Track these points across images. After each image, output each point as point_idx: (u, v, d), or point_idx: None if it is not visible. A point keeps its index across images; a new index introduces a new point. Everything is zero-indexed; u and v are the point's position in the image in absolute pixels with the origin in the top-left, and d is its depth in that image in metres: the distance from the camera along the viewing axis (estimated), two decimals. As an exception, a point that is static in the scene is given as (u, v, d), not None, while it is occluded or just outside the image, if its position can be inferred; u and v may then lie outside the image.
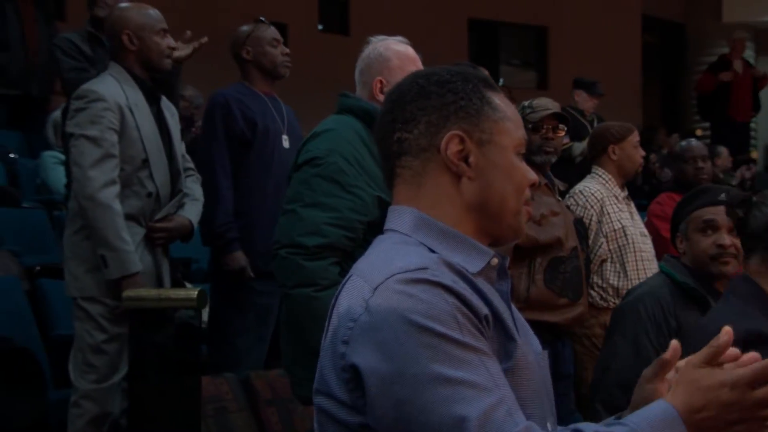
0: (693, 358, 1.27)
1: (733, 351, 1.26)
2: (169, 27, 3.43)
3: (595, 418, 2.63)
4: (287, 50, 4.00)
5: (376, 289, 1.28)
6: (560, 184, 3.59)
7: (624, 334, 2.76)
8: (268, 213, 3.67)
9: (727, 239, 2.72)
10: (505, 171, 1.39)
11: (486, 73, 2.99)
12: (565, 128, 3.57)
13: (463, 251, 1.36)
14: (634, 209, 4.09)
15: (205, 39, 3.69)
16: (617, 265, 3.91)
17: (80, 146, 3.20)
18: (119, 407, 3.24)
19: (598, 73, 8.13)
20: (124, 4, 3.55)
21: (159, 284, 3.32)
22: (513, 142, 1.41)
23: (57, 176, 5.72)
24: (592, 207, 3.93)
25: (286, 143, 3.91)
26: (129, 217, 3.23)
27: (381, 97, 2.62)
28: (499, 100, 1.42)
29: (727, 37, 11.30)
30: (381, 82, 2.69)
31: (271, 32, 3.98)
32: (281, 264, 2.56)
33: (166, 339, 3.09)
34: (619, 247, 3.91)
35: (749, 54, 11.89)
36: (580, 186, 4.05)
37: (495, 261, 1.38)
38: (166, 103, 3.49)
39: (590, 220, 3.92)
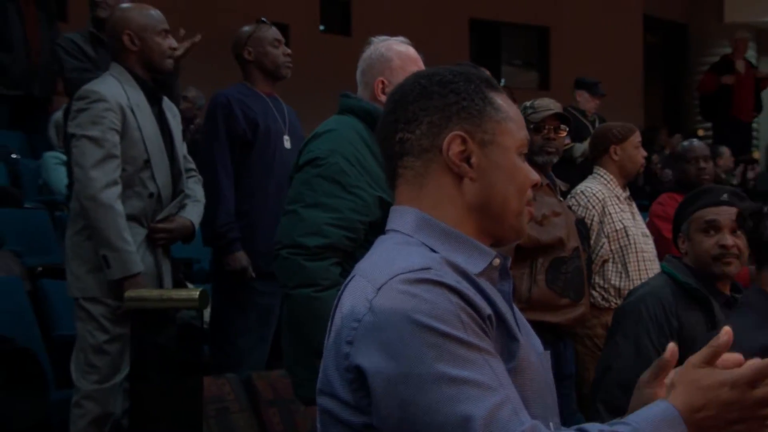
0: (693, 358, 1.27)
1: (737, 357, 1.26)
2: (170, 28, 3.43)
3: (597, 418, 2.63)
4: (289, 51, 4.00)
5: (379, 289, 1.27)
6: (562, 185, 3.59)
7: (626, 334, 2.75)
8: (270, 213, 3.67)
9: (729, 239, 2.71)
10: (507, 172, 1.39)
11: (488, 73, 2.99)
12: (567, 129, 3.57)
13: (464, 252, 1.36)
14: (635, 209, 4.09)
15: (198, 37, 3.69)
16: (619, 266, 3.91)
17: (82, 147, 3.20)
18: (121, 408, 3.25)
19: (599, 74, 8.12)
20: (125, 5, 3.55)
21: (160, 285, 3.32)
22: (515, 143, 1.41)
23: (59, 177, 5.73)
24: (593, 207, 3.93)
25: (287, 144, 3.91)
26: (130, 217, 3.23)
27: (382, 98, 2.62)
28: (502, 101, 1.42)
29: (729, 38, 11.30)
30: (382, 82, 2.69)
31: (273, 33, 3.99)
32: (282, 264, 2.56)
33: (168, 339, 3.09)
34: (620, 247, 3.91)
35: (751, 54, 11.89)
36: (581, 186, 4.04)
37: (497, 261, 1.38)
38: (167, 104, 3.49)
39: (592, 220, 3.92)
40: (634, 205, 4.11)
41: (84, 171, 3.18)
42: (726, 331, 1.26)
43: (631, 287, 3.49)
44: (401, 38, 2.80)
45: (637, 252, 3.92)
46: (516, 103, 1.53)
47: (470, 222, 1.39)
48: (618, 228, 3.92)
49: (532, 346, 1.39)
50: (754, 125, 11.77)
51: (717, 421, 1.24)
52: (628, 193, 4.10)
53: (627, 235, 3.92)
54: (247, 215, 3.85)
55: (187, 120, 6.50)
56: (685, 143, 5.03)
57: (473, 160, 1.38)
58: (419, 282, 1.26)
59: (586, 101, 7.05)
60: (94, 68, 3.98)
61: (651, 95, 13.41)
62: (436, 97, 1.39)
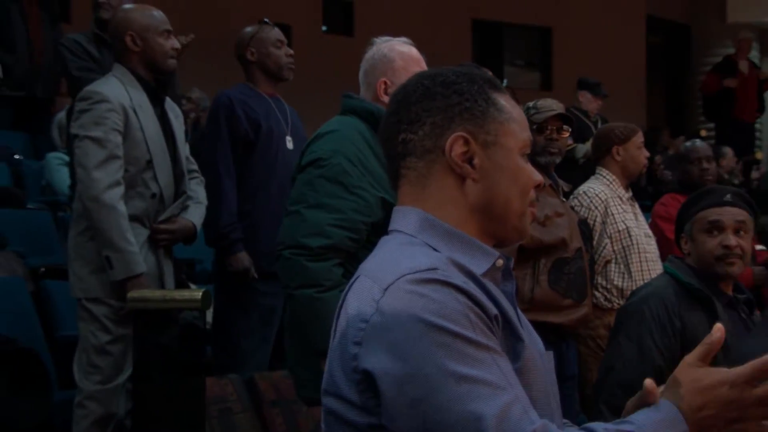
0: (688, 357, 1.28)
1: None
2: (173, 29, 3.43)
3: (600, 419, 2.63)
4: (291, 51, 4.00)
5: (386, 289, 1.27)
6: (564, 185, 3.59)
7: (628, 334, 2.75)
8: (272, 214, 3.67)
9: (732, 240, 2.71)
10: (510, 173, 1.39)
11: (490, 74, 2.99)
12: (570, 129, 3.57)
13: (468, 252, 1.36)
14: (638, 210, 4.09)
15: (191, 36, 3.69)
16: (621, 266, 3.90)
17: (84, 147, 3.20)
18: (124, 408, 3.25)
19: (602, 74, 8.12)
20: (127, 6, 3.55)
21: (161, 285, 3.33)
22: (518, 144, 1.41)
23: (61, 177, 5.74)
24: (596, 208, 3.93)
25: (289, 144, 3.91)
26: (133, 218, 3.23)
27: (385, 98, 2.62)
28: (505, 102, 1.42)
29: (732, 38, 11.28)
30: (385, 83, 2.69)
31: (275, 33, 3.99)
32: (285, 265, 2.56)
33: (171, 340, 3.09)
34: (623, 248, 3.91)
35: (754, 55, 11.87)
36: (584, 187, 4.04)
37: (500, 262, 1.38)
38: (170, 105, 3.49)
39: (594, 221, 3.91)
40: (636, 205, 4.11)
41: (87, 172, 3.18)
42: (718, 328, 1.27)
43: (634, 288, 3.49)
44: (404, 39, 2.80)
45: (639, 252, 3.92)
46: (519, 104, 1.53)
47: (473, 223, 1.39)
48: (621, 228, 3.91)
49: (535, 347, 1.40)
50: (757, 126, 11.75)
51: (717, 420, 1.24)
52: (630, 193, 4.10)
53: (630, 236, 3.91)
54: (249, 216, 3.85)
55: (192, 121, 6.52)
56: (688, 144, 5.03)
57: (476, 161, 1.38)
58: (427, 282, 1.26)
59: (588, 102, 7.05)
60: (98, 68, 3.99)
61: (653, 96, 13.40)
62: (439, 97, 1.39)
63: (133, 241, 3.18)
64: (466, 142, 1.38)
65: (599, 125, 6.27)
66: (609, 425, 1.25)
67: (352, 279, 1.37)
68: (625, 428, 1.23)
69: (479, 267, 1.35)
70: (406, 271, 1.28)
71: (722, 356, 1.44)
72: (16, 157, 6.43)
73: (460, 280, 1.28)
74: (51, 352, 3.93)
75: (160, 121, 3.38)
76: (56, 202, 5.75)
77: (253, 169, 3.86)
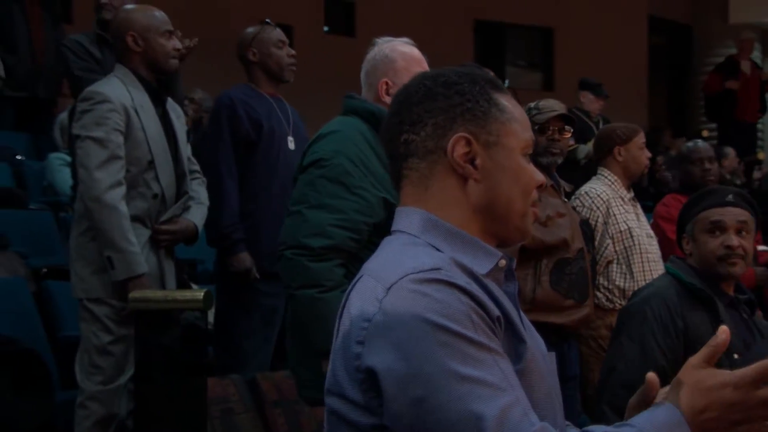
0: (693, 359, 1.27)
1: None
2: (174, 29, 3.43)
3: (602, 419, 2.63)
4: (293, 52, 4.00)
5: (389, 289, 1.27)
6: (566, 186, 3.59)
7: (630, 335, 2.75)
8: (274, 214, 3.67)
9: (734, 240, 2.71)
10: (511, 173, 1.39)
11: (492, 74, 2.99)
12: (572, 130, 3.57)
13: (471, 252, 1.36)
14: (640, 210, 4.09)
15: (195, 40, 3.69)
16: (623, 267, 3.90)
17: (86, 148, 3.20)
18: (125, 409, 3.25)
19: (603, 75, 8.12)
20: (129, 6, 3.55)
21: (162, 286, 3.33)
22: (520, 144, 1.41)
23: (63, 178, 5.74)
24: (598, 208, 3.92)
25: (291, 145, 3.91)
26: (134, 218, 3.23)
27: (387, 99, 2.62)
28: (507, 102, 1.42)
29: (734, 38, 11.28)
30: (387, 83, 2.69)
31: (277, 34, 3.99)
32: (286, 265, 2.56)
33: (172, 340, 3.09)
34: (625, 248, 3.90)
35: (756, 55, 11.86)
36: (586, 187, 4.04)
37: (503, 262, 1.38)
38: (171, 105, 3.49)
39: (596, 221, 3.91)
40: (638, 206, 4.10)
41: (88, 172, 3.18)
42: (723, 330, 1.26)
43: (636, 288, 3.49)
44: (405, 39, 2.80)
45: (641, 253, 3.91)
46: (520, 104, 1.53)
47: (475, 223, 1.39)
48: (622, 229, 3.91)
49: (537, 348, 1.39)
50: (759, 126, 11.74)
51: (720, 422, 1.23)
52: (632, 194, 4.10)
53: (631, 236, 3.91)
54: (251, 216, 3.85)
55: (194, 122, 6.52)
56: (690, 144, 5.02)
57: (478, 161, 1.38)
58: (430, 282, 1.26)
59: (590, 102, 7.05)
60: (100, 69, 3.99)
61: (655, 96, 13.39)
62: (440, 98, 1.39)
63: (135, 241, 3.18)
64: (468, 142, 1.38)
65: (601, 126, 6.26)
66: (610, 428, 1.25)
67: (355, 279, 1.37)
68: (626, 430, 1.23)
69: (482, 267, 1.35)
70: (410, 271, 1.28)
71: (724, 357, 1.44)
72: (18, 157, 6.43)
73: (463, 280, 1.28)
74: (53, 352, 3.94)
75: (161, 122, 3.38)
76: (58, 202, 5.75)
77: (255, 170, 3.86)
